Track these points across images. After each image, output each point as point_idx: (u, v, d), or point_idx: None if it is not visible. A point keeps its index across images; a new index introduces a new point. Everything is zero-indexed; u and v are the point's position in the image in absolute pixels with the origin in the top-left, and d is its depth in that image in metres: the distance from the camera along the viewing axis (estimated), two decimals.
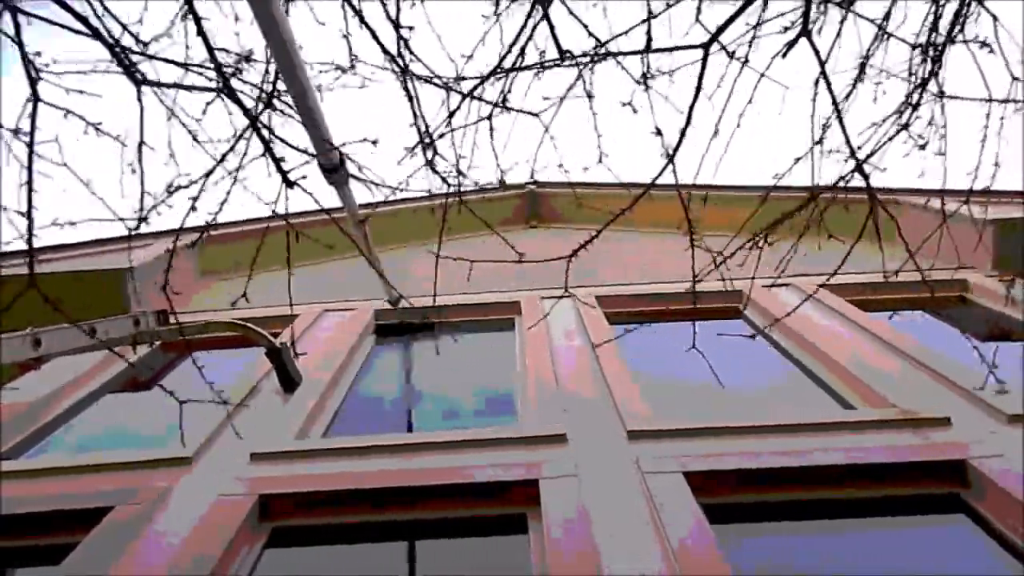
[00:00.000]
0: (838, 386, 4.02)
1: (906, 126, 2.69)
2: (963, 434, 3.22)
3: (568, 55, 2.37)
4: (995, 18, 2.52)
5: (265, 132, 2.27)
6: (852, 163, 2.58)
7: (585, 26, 2.34)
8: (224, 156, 2.22)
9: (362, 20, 2.34)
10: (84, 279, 5.74)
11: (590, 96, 2.43)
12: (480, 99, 2.42)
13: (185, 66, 2.19)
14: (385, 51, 2.38)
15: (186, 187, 2.16)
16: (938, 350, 4.11)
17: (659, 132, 2.44)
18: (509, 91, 2.48)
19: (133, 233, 2.21)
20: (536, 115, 2.44)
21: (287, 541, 2.94)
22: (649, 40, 2.38)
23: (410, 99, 2.40)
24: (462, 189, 2.60)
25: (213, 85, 2.19)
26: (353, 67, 2.39)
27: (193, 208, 2.19)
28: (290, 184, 2.26)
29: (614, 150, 2.56)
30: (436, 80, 2.40)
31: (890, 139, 2.66)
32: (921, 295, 5.09)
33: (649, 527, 2.67)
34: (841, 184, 2.65)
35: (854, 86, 2.68)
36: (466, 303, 5.56)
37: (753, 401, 4.04)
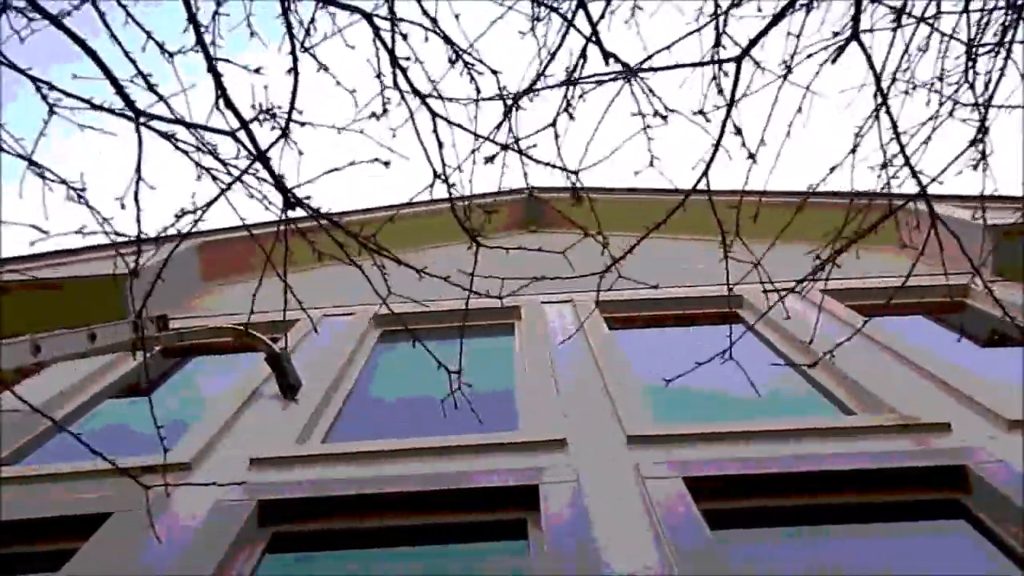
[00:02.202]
0: (838, 392, 4.02)
1: (975, 142, 2.65)
2: (963, 440, 3.22)
3: (614, 58, 2.35)
4: None
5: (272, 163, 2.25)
6: (903, 173, 2.55)
7: (603, 48, 2.32)
8: (230, 186, 2.22)
9: (394, 60, 2.31)
10: (83, 285, 5.76)
11: (646, 114, 2.39)
12: (496, 142, 2.41)
13: (197, 126, 2.18)
14: (415, 91, 2.35)
15: (192, 212, 2.15)
16: (938, 355, 4.11)
17: (738, 131, 2.41)
18: (570, 100, 2.44)
19: (124, 253, 2.20)
20: (575, 172, 2.42)
21: (286, 547, 2.94)
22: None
23: (440, 145, 2.38)
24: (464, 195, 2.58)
25: (226, 128, 2.17)
26: (386, 112, 2.36)
27: (194, 225, 2.18)
28: (291, 206, 2.25)
29: (659, 159, 2.53)
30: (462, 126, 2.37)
31: (959, 160, 2.63)
32: (921, 300, 5.11)
33: (649, 532, 2.67)
34: (892, 194, 2.63)
35: (906, 92, 2.65)
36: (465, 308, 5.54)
37: (753, 407, 4.03)
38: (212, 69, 2.11)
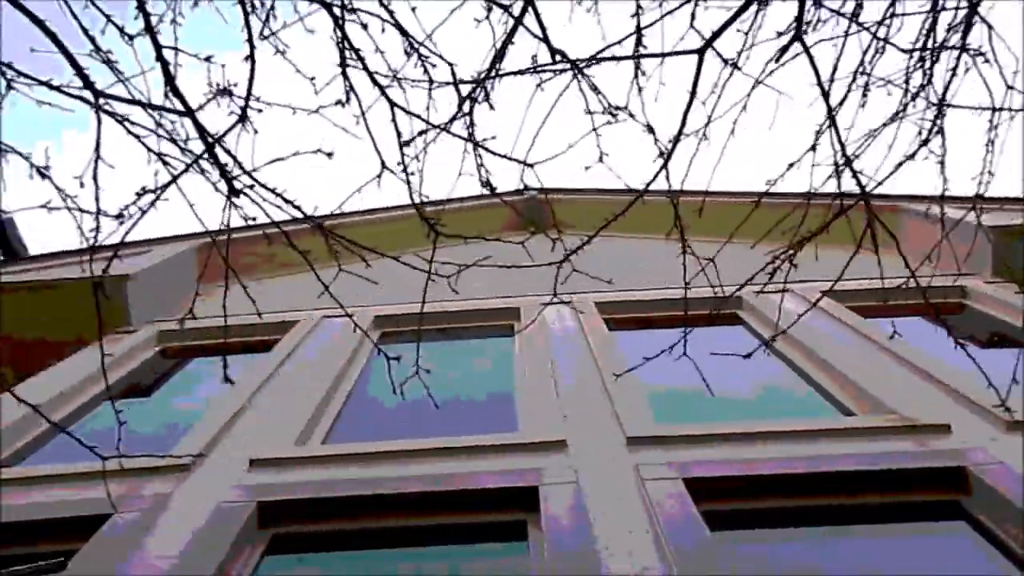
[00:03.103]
0: (838, 393, 4.02)
1: (926, 142, 2.67)
2: (963, 441, 3.22)
3: (561, 55, 2.37)
4: (990, 27, 2.53)
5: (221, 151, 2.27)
6: (848, 173, 2.58)
7: (547, 42, 2.33)
8: (183, 172, 2.23)
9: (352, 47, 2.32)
10: (81, 287, 5.74)
11: (604, 110, 2.41)
12: (451, 132, 2.42)
13: (151, 106, 2.19)
14: (373, 81, 2.36)
15: (152, 191, 2.17)
16: (938, 357, 4.11)
17: (651, 130, 2.44)
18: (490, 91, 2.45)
19: (95, 245, 2.21)
20: (530, 165, 2.43)
21: (286, 548, 2.94)
22: (639, 40, 2.37)
23: (399, 134, 2.39)
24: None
25: (179, 108, 2.19)
26: (348, 100, 2.37)
27: (152, 205, 2.19)
28: (236, 193, 2.26)
29: (611, 154, 2.54)
30: (418, 115, 2.38)
31: (910, 158, 2.65)
32: (920, 301, 5.11)
33: (649, 534, 2.67)
34: (836, 193, 2.65)
35: (847, 95, 2.68)
36: (465, 309, 5.56)
37: (753, 408, 4.04)
38: (160, 57, 2.14)
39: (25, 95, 2.14)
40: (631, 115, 2.44)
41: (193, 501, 3.08)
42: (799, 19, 2.40)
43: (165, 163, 2.22)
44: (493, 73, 2.40)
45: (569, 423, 3.63)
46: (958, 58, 2.61)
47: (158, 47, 2.13)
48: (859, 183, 2.58)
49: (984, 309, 5.38)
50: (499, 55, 2.39)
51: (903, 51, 2.65)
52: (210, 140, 2.18)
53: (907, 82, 2.70)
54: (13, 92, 2.12)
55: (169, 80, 2.14)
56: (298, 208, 2.27)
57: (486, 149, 2.42)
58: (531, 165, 2.43)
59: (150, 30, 2.12)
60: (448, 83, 2.41)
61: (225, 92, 2.20)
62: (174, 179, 2.20)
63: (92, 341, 5.49)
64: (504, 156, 2.43)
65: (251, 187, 2.23)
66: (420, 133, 2.40)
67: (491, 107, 2.44)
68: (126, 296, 5.74)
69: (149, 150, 2.22)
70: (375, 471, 3.26)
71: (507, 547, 2.93)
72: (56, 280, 5.95)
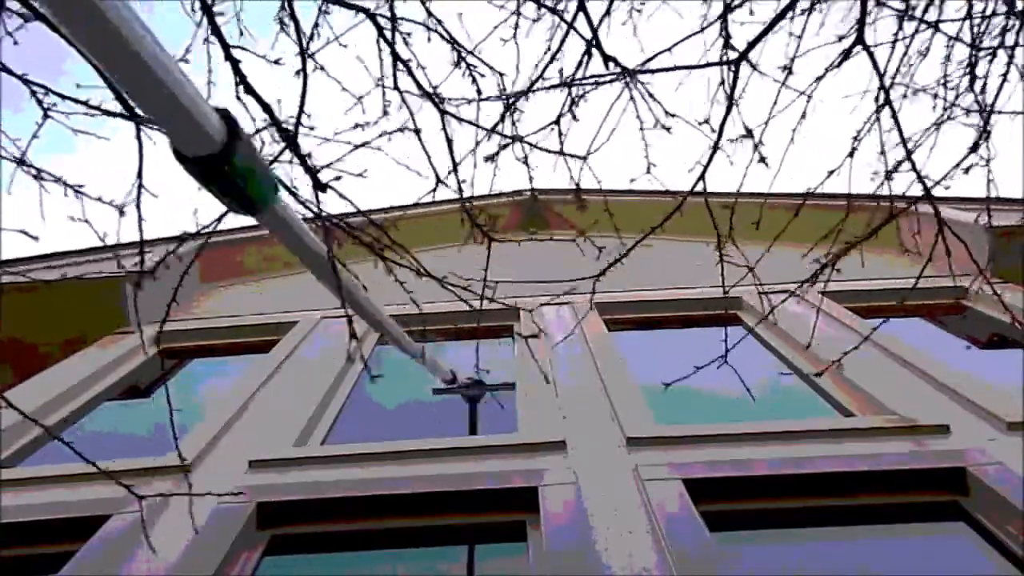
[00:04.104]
0: (837, 393, 4.02)
1: (976, 147, 2.66)
2: (962, 442, 3.22)
3: (613, 61, 2.35)
4: None
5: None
6: (908, 178, 2.56)
7: (601, 51, 2.32)
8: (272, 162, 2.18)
9: (397, 58, 2.30)
10: (82, 287, 5.74)
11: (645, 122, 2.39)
12: (502, 134, 2.41)
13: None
14: (420, 88, 2.34)
15: (203, 233, 2.14)
16: (937, 357, 4.11)
17: (750, 133, 2.42)
18: (575, 99, 2.44)
19: (121, 254, 2.19)
20: (583, 158, 2.42)
21: (286, 549, 2.94)
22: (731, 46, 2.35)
23: (450, 142, 2.37)
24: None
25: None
26: (387, 113, 2.35)
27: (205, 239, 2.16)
28: (323, 188, 2.19)
29: (655, 166, 2.54)
30: (469, 120, 2.37)
31: (960, 166, 2.63)
32: (919, 303, 5.11)
33: (648, 535, 2.67)
34: (896, 196, 2.63)
35: (905, 95, 2.66)
36: (464, 310, 5.54)
37: (752, 408, 4.03)
38: (229, 56, 2.05)
39: (61, 123, 2.12)
40: (694, 123, 2.42)
41: (192, 502, 3.07)
42: (861, 21, 2.38)
43: None
44: (540, 83, 2.40)
45: (569, 424, 3.63)
46: (1008, 62, 2.59)
47: (226, 47, 2.08)
48: (924, 185, 2.55)
49: (984, 310, 5.38)
50: (550, 60, 2.38)
51: (965, 43, 2.60)
52: (288, 134, 2.11)
53: (950, 85, 2.68)
54: (50, 120, 2.10)
55: (242, 79, 2.06)
56: (363, 212, 2.23)
57: (537, 147, 2.41)
58: (584, 158, 2.41)
59: (216, 31, 2.06)
60: (492, 98, 2.40)
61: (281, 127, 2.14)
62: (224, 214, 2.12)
63: (92, 341, 5.51)
64: (560, 152, 2.40)
65: (338, 179, 2.17)
66: (471, 150, 2.39)
67: (575, 118, 2.44)
68: (125, 296, 5.74)
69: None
70: (374, 472, 3.26)
71: (506, 548, 2.93)
72: (54, 281, 5.95)
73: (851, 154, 2.61)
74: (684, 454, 3.23)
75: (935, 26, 2.56)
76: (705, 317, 5.46)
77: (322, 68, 2.31)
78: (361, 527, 3.00)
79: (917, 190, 2.61)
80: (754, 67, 2.38)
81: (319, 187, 2.13)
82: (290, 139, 2.12)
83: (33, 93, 2.11)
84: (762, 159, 2.42)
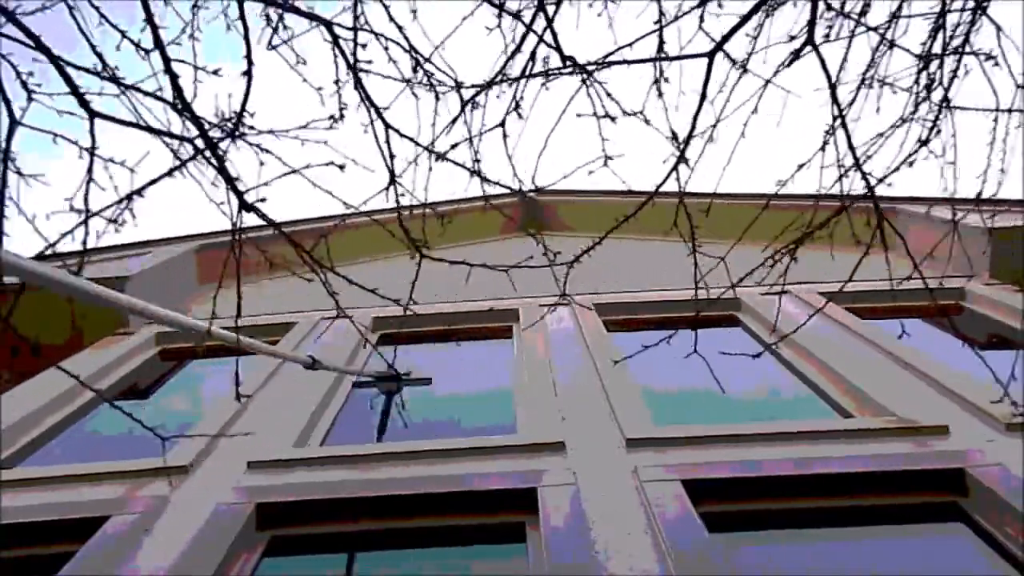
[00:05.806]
0: (836, 394, 4.02)
1: (926, 142, 2.68)
2: (961, 443, 3.22)
3: (571, 60, 2.37)
4: (999, 28, 2.53)
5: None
6: (858, 175, 2.59)
7: (559, 49, 2.34)
8: (171, 171, 2.25)
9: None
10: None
11: (604, 115, 2.42)
12: (447, 159, 2.45)
13: (152, 131, 2.21)
14: (371, 104, 2.37)
15: (138, 192, 2.19)
16: (936, 358, 4.12)
17: (675, 136, 2.45)
18: (519, 99, 2.47)
19: (87, 248, 2.24)
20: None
21: (285, 550, 2.94)
22: (661, 44, 2.38)
23: (392, 156, 2.41)
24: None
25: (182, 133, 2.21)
26: (343, 116, 2.38)
27: (130, 210, 2.21)
28: (248, 208, 2.29)
29: (620, 157, 2.55)
30: (447, 83, 2.40)
31: (909, 158, 2.66)
32: (919, 303, 5.11)
33: (648, 536, 2.67)
34: (845, 195, 2.66)
35: (855, 96, 2.69)
36: (464, 311, 5.56)
37: (752, 409, 4.04)
38: (169, 70, 2.16)
39: (34, 128, 2.16)
40: (647, 121, 2.45)
41: (192, 503, 3.08)
42: (811, 23, 2.40)
43: (167, 143, 2.22)
44: (500, 79, 2.42)
45: (568, 425, 3.63)
46: (958, 61, 2.62)
47: (167, 60, 2.15)
48: (867, 182, 2.59)
49: (982, 310, 5.39)
50: (508, 59, 2.40)
51: (912, 54, 2.65)
52: (220, 161, 2.19)
53: (916, 83, 2.71)
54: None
55: (179, 93, 2.16)
56: (299, 246, 2.27)
57: (483, 178, 2.45)
58: (526, 193, 2.45)
59: (158, 44, 2.13)
60: (451, 88, 2.42)
61: (228, 120, 2.20)
62: (168, 173, 2.20)
63: (91, 341, 5.50)
64: (499, 183, 2.48)
65: (263, 200, 2.24)
66: (411, 163, 2.43)
67: (520, 116, 2.46)
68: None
69: (148, 129, 2.23)
70: (374, 473, 3.26)
71: (506, 549, 2.93)
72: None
73: (823, 148, 2.63)
74: (683, 455, 3.23)
75: (882, 33, 2.59)
76: (704, 317, 5.45)
77: (292, 67, 2.34)
78: (361, 528, 3.00)
79: (887, 190, 2.65)
80: (732, 59, 2.40)
81: (245, 207, 2.22)
82: (219, 165, 2.20)
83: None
84: (686, 161, 2.47)
